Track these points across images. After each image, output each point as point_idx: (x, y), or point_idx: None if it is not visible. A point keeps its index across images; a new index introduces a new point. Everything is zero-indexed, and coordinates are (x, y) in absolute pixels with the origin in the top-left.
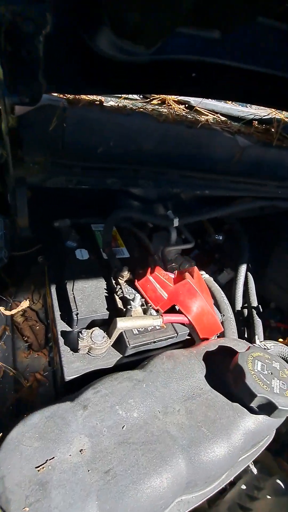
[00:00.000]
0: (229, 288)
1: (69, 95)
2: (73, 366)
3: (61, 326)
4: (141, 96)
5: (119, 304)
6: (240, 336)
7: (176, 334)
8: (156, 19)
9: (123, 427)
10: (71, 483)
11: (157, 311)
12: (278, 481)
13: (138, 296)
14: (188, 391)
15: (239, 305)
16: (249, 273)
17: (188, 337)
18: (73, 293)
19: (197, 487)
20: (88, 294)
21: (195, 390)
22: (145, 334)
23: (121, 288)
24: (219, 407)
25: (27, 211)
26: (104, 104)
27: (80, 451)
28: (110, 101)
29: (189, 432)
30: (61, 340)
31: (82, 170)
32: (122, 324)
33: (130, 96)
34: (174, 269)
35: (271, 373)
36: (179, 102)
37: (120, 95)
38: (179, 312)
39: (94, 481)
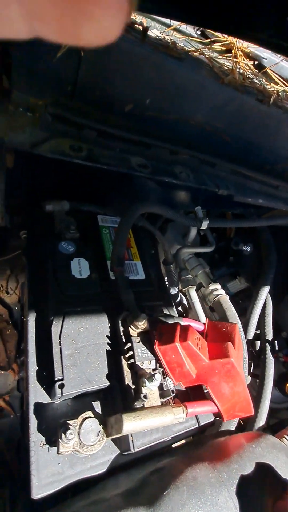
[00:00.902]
0: (239, 300)
1: None
2: (46, 474)
3: (35, 394)
4: (198, 33)
5: (127, 377)
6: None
7: (197, 425)
8: None
9: None
10: None
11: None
12: None
13: (159, 376)
14: None
15: (251, 334)
16: (269, 296)
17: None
18: (60, 344)
19: None
20: (82, 347)
21: None
22: (157, 428)
23: (132, 348)
24: None
25: (0, 199)
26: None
27: None
28: (154, 29)
29: None
30: (33, 422)
31: (98, 136)
32: (130, 426)
33: (182, 27)
34: (188, 283)
35: None
36: (247, 56)
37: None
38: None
39: None
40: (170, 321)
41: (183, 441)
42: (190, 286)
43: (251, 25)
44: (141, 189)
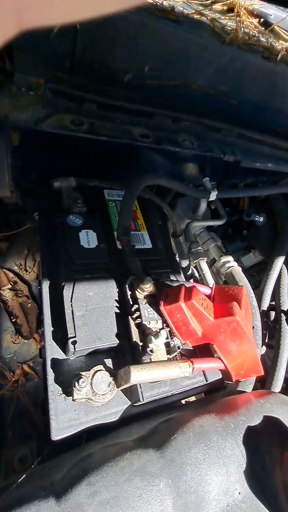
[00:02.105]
0: (254, 273)
1: None
2: (63, 419)
3: (52, 351)
4: None
5: (135, 335)
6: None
7: (205, 381)
8: None
9: None
10: None
11: (183, 343)
12: None
13: (164, 332)
14: (221, 500)
15: (265, 304)
16: (284, 267)
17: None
18: (71, 306)
19: None
20: (92, 309)
21: (231, 497)
22: (165, 381)
23: (138, 309)
24: None
25: (8, 173)
26: None
27: None
28: None
29: None
30: (50, 375)
31: (98, 109)
32: (137, 377)
33: None
34: (199, 255)
35: None
36: (252, 14)
37: None
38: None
39: None
40: (176, 285)
41: (193, 398)
42: (201, 258)
43: None
44: (148, 163)
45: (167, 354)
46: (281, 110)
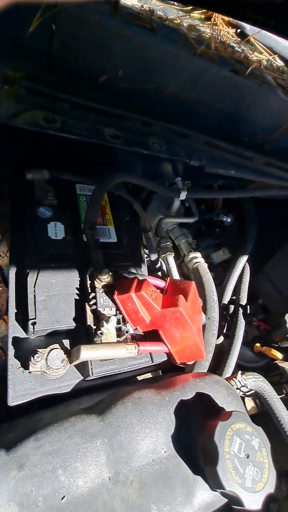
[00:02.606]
0: (221, 270)
1: None
2: (20, 389)
3: (14, 330)
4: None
5: (89, 319)
6: (220, 331)
7: (151, 362)
8: None
9: (62, 498)
10: None
11: (135, 329)
12: None
13: (114, 318)
14: (148, 456)
15: (226, 299)
16: (247, 265)
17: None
18: (34, 291)
19: None
20: (53, 295)
21: (157, 455)
22: (113, 360)
23: (95, 297)
24: (179, 482)
25: None
26: (121, 2)
27: None
28: None
29: None
30: (11, 351)
31: (72, 108)
32: (86, 354)
33: None
34: (167, 250)
35: (247, 456)
36: (230, 24)
37: None
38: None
39: None
40: (131, 277)
41: (143, 377)
42: (168, 253)
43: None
44: (123, 161)
45: (117, 337)
46: (247, 122)
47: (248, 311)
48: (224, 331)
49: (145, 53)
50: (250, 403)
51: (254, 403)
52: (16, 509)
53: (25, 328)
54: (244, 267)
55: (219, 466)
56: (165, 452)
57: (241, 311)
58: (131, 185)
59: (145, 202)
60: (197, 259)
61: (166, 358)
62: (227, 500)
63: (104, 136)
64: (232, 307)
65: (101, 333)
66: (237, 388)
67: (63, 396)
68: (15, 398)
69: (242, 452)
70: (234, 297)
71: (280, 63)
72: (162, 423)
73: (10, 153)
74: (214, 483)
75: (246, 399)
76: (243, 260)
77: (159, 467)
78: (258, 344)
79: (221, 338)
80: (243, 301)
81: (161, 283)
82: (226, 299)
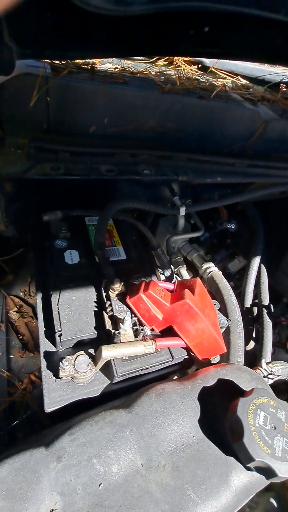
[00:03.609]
0: (240, 277)
1: (52, 61)
2: (54, 396)
3: (45, 345)
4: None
5: (108, 324)
6: (248, 337)
7: (171, 358)
8: None
9: (99, 485)
10: None
11: (152, 330)
12: (272, 499)
13: (128, 318)
14: (177, 441)
15: (248, 301)
16: (262, 265)
17: (187, 357)
18: (58, 308)
19: None
20: (74, 309)
21: (186, 439)
22: (135, 360)
23: (111, 305)
24: (211, 463)
25: (2, 212)
26: (97, 68)
27: None
28: (107, 63)
29: (174, 495)
30: (43, 363)
31: (71, 156)
32: (107, 353)
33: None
34: (178, 263)
35: (275, 428)
36: (191, 62)
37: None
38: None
39: None
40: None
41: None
42: (181, 266)
43: (167, 43)
44: (124, 192)
45: (135, 337)
46: (224, 135)
47: (273, 311)
48: (253, 335)
49: (122, 101)
50: None
51: None
52: (58, 498)
53: (53, 341)
54: (260, 268)
55: (245, 437)
56: (193, 436)
57: (265, 311)
58: (137, 212)
59: (152, 226)
60: (211, 268)
61: (186, 355)
62: (266, 481)
63: (101, 172)
64: (255, 310)
65: (119, 333)
66: (264, 376)
67: (94, 402)
68: (50, 404)
69: (268, 424)
70: (256, 301)
71: (244, 81)
72: (187, 409)
73: (28, 204)
74: (244, 456)
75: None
76: (256, 261)
77: (189, 451)
78: None
79: (252, 344)
80: (266, 301)
81: (171, 286)
82: (248, 302)
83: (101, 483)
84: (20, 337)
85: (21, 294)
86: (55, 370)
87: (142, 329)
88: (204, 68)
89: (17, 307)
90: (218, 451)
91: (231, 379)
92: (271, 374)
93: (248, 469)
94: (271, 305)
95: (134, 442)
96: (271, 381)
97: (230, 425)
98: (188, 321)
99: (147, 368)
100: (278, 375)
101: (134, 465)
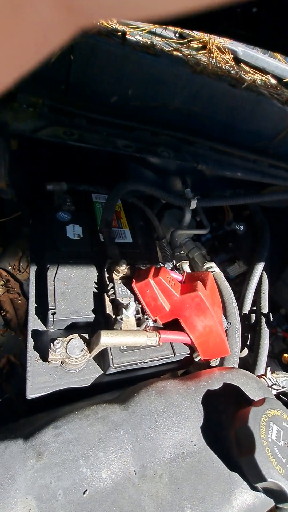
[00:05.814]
0: (239, 282)
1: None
2: (39, 381)
3: (34, 323)
4: (177, 35)
5: (108, 308)
6: (242, 344)
7: (173, 355)
8: None
9: (84, 492)
10: None
11: (154, 321)
12: None
13: (133, 303)
14: (177, 448)
15: (247, 308)
16: (264, 274)
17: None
18: (53, 284)
19: None
20: (72, 288)
21: (187, 447)
22: (134, 351)
23: (113, 288)
24: (213, 477)
25: (5, 169)
26: (128, 36)
27: None
28: (137, 36)
29: None
30: (30, 343)
31: (88, 123)
32: (106, 339)
33: (163, 32)
34: (181, 258)
35: None
36: (223, 51)
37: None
38: (180, 327)
39: None
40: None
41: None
42: (183, 261)
43: (211, 19)
44: (135, 174)
45: (137, 326)
46: (249, 130)
47: (271, 321)
48: (248, 343)
49: (151, 74)
50: None
51: None
52: (34, 504)
53: (44, 320)
54: (261, 275)
55: (257, 453)
56: (195, 444)
57: (263, 319)
58: (144, 198)
59: (158, 217)
60: (213, 268)
61: (189, 353)
62: (271, 504)
63: (117, 146)
64: (253, 317)
65: (121, 319)
66: (268, 386)
67: (83, 393)
68: (33, 390)
69: (282, 440)
70: (254, 308)
71: (273, 81)
72: (189, 413)
73: (32, 168)
74: (253, 474)
75: None
76: (259, 268)
77: (189, 461)
78: (286, 355)
79: (246, 351)
80: (265, 309)
81: (179, 277)
82: (247, 308)
83: (86, 490)
84: (3, 313)
85: (10, 268)
86: (43, 352)
87: (146, 318)
88: (236, 61)
89: (3, 281)
90: (221, 464)
91: (238, 385)
92: (275, 384)
93: (255, 489)
94: (270, 314)
95: (128, 445)
96: (274, 392)
97: (237, 436)
98: (196, 316)
99: (145, 362)
100: (283, 387)
101: (126, 472)
